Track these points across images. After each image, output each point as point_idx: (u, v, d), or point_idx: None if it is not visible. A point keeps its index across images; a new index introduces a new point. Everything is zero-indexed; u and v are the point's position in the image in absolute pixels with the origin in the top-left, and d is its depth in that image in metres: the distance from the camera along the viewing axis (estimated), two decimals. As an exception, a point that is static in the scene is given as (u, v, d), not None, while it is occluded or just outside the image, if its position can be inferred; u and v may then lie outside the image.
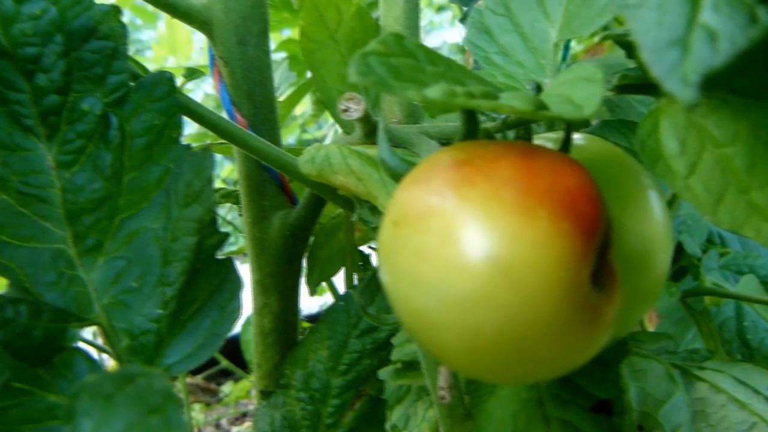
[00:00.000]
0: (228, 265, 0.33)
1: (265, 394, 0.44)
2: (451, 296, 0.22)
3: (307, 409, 0.41)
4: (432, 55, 0.25)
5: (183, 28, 1.38)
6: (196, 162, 0.32)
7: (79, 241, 0.32)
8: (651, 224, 0.33)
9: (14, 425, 0.29)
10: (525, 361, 0.22)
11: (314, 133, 1.77)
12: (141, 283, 0.32)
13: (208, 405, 1.63)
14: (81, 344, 0.32)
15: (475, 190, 0.22)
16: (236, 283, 0.33)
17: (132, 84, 0.34)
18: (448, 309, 0.22)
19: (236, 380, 1.67)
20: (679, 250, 0.74)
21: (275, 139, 0.41)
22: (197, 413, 1.55)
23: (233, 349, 1.30)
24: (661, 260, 0.33)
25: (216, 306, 0.32)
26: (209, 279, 0.32)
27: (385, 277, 0.24)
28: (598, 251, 0.23)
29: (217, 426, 1.58)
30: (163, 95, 0.34)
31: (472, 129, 0.27)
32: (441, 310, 0.22)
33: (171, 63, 1.33)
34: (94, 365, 0.31)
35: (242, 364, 1.38)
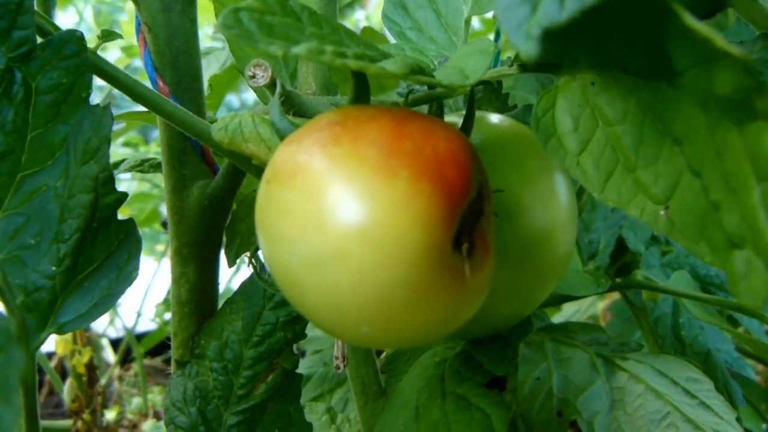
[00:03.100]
0: (128, 226, 0.33)
1: (180, 364, 0.43)
2: (311, 254, 0.22)
3: (220, 379, 0.41)
4: (318, 19, 0.25)
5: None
6: (95, 119, 0.31)
7: (-23, 196, 0.32)
8: (553, 205, 0.33)
9: None
10: (384, 322, 0.22)
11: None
12: (38, 240, 0.32)
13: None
14: None
15: (340, 149, 0.22)
16: (136, 245, 0.33)
17: (41, 41, 0.33)
18: (309, 267, 0.22)
19: (196, 364, 1.66)
20: (624, 246, 0.75)
21: (199, 108, 0.41)
22: (155, 396, 1.54)
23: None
24: (563, 240, 0.34)
25: (114, 266, 0.32)
26: (107, 239, 0.32)
27: (258, 235, 0.24)
28: (466, 217, 0.23)
29: (176, 409, 1.57)
30: (72, 54, 0.33)
31: (360, 94, 0.27)
32: (302, 268, 0.22)
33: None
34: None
35: (202, 348, 1.37)
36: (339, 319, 0.22)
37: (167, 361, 1.66)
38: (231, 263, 0.42)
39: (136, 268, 0.32)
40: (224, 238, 0.42)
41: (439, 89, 0.32)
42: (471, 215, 0.23)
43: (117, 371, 1.57)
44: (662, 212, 0.27)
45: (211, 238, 0.42)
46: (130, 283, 0.32)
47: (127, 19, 1.80)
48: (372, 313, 0.22)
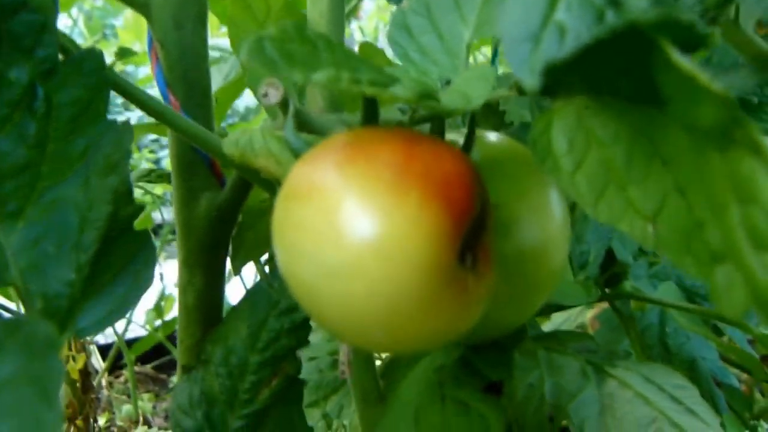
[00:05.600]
0: (144, 236, 0.34)
1: (186, 369, 0.45)
2: (327, 266, 0.23)
3: (225, 384, 0.43)
4: (332, 46, 0.27)
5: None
6: (116, 135, 0.33)
7: (0, 206, 0.34)
8: (548, 220, 0.35)
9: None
10: (395, 329, 0.24)
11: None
12: (58, 249, 0.33)
13: (157, 395, 1.63)
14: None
15: (354, 169, 0.24)
16: (151, 254, 0.34)
17: (62, 58, 0.35)
18: (325, 279, 0.24)
19: (187, 371, 1.66)
20: (613, 257, 0.77)
21: (208, 122, 0.43)
22: (145, 403, 1.55)
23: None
24: (557, 254, 0.35)
25: (130, 275, 0.34)
26: (125, 248, 0.34)
27: (275, 248, 0.26)
28: (470, 233, 0.25)
29: (166, 417, 1.57)
30: (92, 71, 0.35)
31: (370, 116, 0.29)
32: (319, 279, 0.24)
33: (137, 48, 1.34)
34: (7, 325, 0.32)
35: (194, 355, 1.37)
36: (352, 326, 0.24)
37: (157, 368, 1.67)
38: (236, 272, 0.44)
39: (151, 276, 0.34)
40: (230, 248, 0.44)
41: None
42: (474, 231, 0.25)
43: (106, 378, 1.57)
44: (650, 228, 0.29)
45: (218, 247, 0.44)
46: (145, 290, 0.33)
47: (120, 24, 1.81)
48: (383, 321, 0.24)
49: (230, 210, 0.42)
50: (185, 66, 0.42)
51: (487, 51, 1.43)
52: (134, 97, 0.37)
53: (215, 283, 0.44)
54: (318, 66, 0.25)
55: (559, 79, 0.31)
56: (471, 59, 0.39)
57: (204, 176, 0.43)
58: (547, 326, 1.04)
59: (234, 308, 0.44)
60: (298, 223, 0.24)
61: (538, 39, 0.20)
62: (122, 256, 0.34)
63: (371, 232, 0.23)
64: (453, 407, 0.35)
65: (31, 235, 0.34)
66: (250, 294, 0.43)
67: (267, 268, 0.40)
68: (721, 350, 0.75)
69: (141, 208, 0.33)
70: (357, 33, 2.34)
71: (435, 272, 0.23)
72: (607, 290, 0.70)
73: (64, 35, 0.36)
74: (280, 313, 0.42)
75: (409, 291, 0.23)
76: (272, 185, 0.38)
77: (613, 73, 0.28)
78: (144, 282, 0.33)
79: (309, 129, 0.35)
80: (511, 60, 0.20)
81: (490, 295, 0.26)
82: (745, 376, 0.99)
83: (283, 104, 0.35)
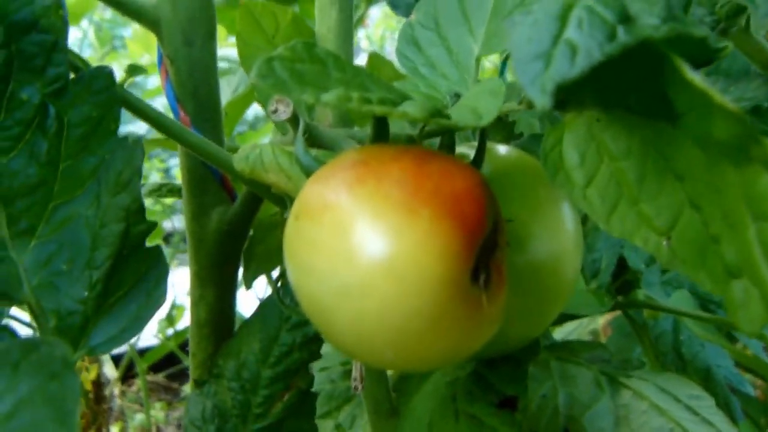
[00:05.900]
0: (156, 253, 0.34)
1: (198, 383, 0.45)
2: (339, 285, 0.23)
3: (238, 398, 0.43)
4: (342, 64, 0.27)
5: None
6: (126, 152, 0.33)
7: (12, 224, 0.34)
8: (560, 232, 0.35)
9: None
10: (407, 348, 0.24)
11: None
12: (70, 267, 0.34)
13: (169, 404, 1.63)
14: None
15: (365, 189, 0.24)
16: (163, 271, 0.34)
17: (72, 76, 0.35)
18: (337, 297, 0.23)
19: (199, 379, 1.66)
20: (625, 265, 0.77)
21: (218, 137, 0.43)
22: (158, 412, 1.55)
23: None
24: (570, 266, 0.35)
25: (143, 292, 0.34)
26: (137, 265, 0.34)
27: (287, 266, 0.26)
28: (482, 251, 0.25)
29: (178, 426, 1.58)
30: (102, 88, 0.35)
31: (380, 133, 0.28)
32: (331, 298, 0.24)
33: (145, 60, 1.34)
34: (20, 344, 0.32)
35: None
36: (364, 345, 0.24)
37: (170, 377, 1.67)
38: (248, 286, 0.44)
39: (164, 293, 0.34)
40: (242, 262, 0.44)
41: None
42: (487, 248, 0.25)
43: (119, 387, 1.58)
44: (665, 243, 0.28)
45: (229, 261, 0.44)
46: (158, 307, 0.33)
47: (130, 35, 1.82)
48: (395, 340, 0.23)
49: (241, 224, 0.42)
50: (195, 82, 0.42)
51: (493, 57, 1.42)
52: (144, 113, 0.37)
53: (227, 298, 0.44)
54: (328, 85, 0.25)
55: (570, 94, 0.30)
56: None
57: (215, 192, 0.43)
58: (559, 331, 1.03)
59: (246, 322, 0.44)
60: (310, 243, 0.24)
61: (548, 58, 0.20)
62: (134, 274, 0.34)
63: (383, 251, 0.23)
64: (466, 423, 0.34)
65: (44, 253, 0.34)
66: (262, 308, 0.43)
67: (279, 284, 0.40)
68: (735, 357, 0.74)
69: (153, 225, 0.33)
70: (364, 41, 2.35)
71: (447, 291, 0.23)
72: (619, 298, 0.70)
73: (73, 53, 0.36)
74: (292, 327, 0.42)
75: (421, 310, 0.23)
76: (282, 200, 0.38)
77: (624, 89, 0.28)
78: (156, 299, 0.33)
79: (319, 144, 0.35)
80: (521, 79, 0.20)
81: (503, 312, 0.26)
82: (759, 381, 0.98)
83: (293, 120, 0.35)
